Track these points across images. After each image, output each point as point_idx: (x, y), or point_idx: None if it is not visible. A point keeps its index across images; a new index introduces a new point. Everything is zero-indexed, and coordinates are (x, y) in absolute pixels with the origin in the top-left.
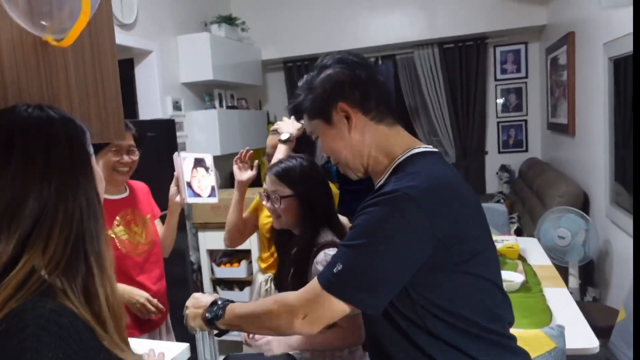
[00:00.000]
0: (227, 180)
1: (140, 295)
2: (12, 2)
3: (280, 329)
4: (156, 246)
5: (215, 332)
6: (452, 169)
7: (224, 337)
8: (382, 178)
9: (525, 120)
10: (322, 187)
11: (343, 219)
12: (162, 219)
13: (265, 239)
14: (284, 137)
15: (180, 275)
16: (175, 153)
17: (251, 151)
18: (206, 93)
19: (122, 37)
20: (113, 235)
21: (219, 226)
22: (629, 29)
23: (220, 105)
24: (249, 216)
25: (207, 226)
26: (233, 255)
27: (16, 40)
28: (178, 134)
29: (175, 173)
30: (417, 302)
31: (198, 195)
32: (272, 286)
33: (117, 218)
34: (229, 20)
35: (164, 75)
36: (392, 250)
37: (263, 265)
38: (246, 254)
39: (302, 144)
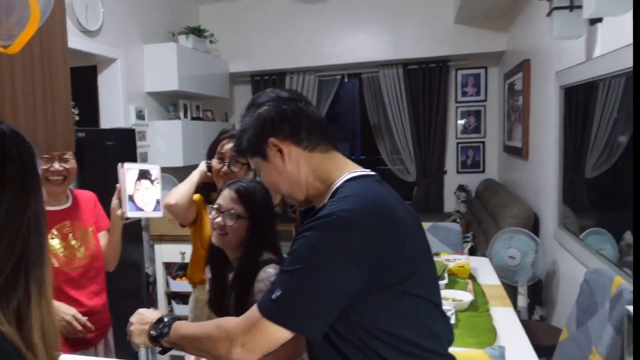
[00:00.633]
0: None
1: (66, 312)
2: None
3: (220, 355)
4: (96, 260)
5: (159, 349)
6: (389, 190)
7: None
8: (321, 203)
9: (483, 142)
10: (272, 214)
11: None
12: None
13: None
14: None
15: (134, 288)
16: (119, 164)
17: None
18: (171, 103)
19: (85, 44)
20: None
21: (176, 239)
22: (580, 58)
23: (185, 115)
24: (193, 208)
25: (163, 238)
26: None
27: None
28: (140, 143)
29: (117, 185)
30: (356, 324)
31: (141, 209)
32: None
33: (53, 231)
34: (197, 32)
35: (128, 84)
36: (329, 274)
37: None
38: None
39: None
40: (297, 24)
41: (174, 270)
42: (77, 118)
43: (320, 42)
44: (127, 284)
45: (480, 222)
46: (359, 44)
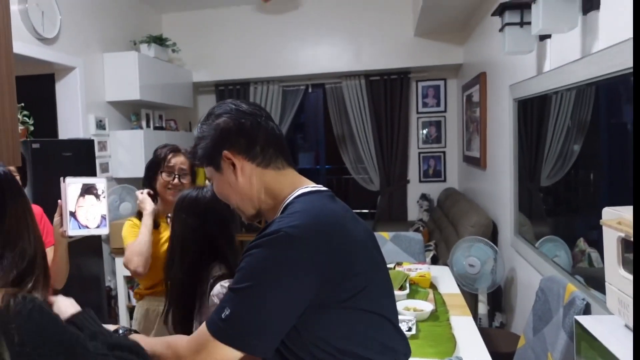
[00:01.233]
0: None
1: None
2: None
3: None
4: None
5: None
6: (340, 206)
7: None
8: (272, 219)
9: (444, 152)
10: (223, 226)
11: None
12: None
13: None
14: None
15: (95, 302)
16: (62, 178)
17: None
18: (133, 112)
19: (42, 52)
20: None
21: None
22: (532, 72)
23: (148, 125)
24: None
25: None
26: None
27: None
28: (100, 154)
29: (59, 201)
30: (308, 340)
31: (85, 226)
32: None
33: None
34: (159, 41)
35: (87, 93)
36: (276, 292)
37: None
38: None
39: None
40: (260, 34)
41: (136, 284)
42: (31, 128)
43: (285, 53)
44: (87, 298)
45: (441, 230)
46: (323, 54)
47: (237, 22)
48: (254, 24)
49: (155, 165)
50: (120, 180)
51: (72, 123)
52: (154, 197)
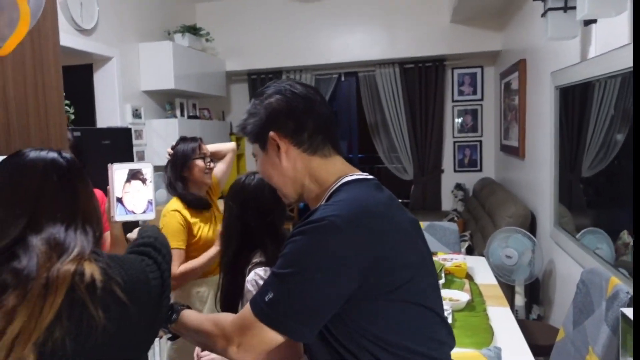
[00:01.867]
0: None
1: None
2: None
3: (218, 352)
4: None
5: (168, 335)
6: (386, 195)
7: None
8: (316, 206)
9: (480, 141)
10: (265, 215)
11: None
12: None
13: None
14: None
15: None
16: (110, 164)
17: None
18: (167, 102)
19: (80, 42)
20: None
21: None
22: (575, 59)
23: (182, 114)
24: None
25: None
26: None
27: None
28: (137, 142)
29: (107, 187)
30: (353, 329)
31: (131, 212)
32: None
33: None
34: (193, 30)
35: (124, 83)
36: (318, 280)
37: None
38: None
39: None
40: (293, 23)
41: None
42: (72, 117)
43: (317, 41)
44: None
45: (477, 220)
46: (356, 43)
47: (270, 11)
48: (286, 12)
49: (188, 155)
50: (155, 168)
51: (110, 112)
52: (184, 182)
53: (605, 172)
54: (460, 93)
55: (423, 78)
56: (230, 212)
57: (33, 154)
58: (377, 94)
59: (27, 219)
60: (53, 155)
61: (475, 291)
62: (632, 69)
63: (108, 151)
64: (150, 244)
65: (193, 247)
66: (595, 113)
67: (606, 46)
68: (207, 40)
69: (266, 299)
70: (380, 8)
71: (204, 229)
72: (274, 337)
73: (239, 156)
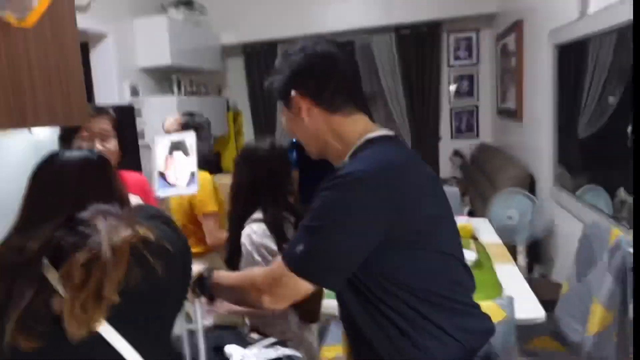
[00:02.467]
0: None
1: None
2: None
3: (252, 303)
4: None
5: (204, 299)
6: (408, 151)
7: None
8: (340, 162)
9: (477, 106)
10: (268, 169)
11: None
12: None
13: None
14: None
15: None
16: (154, 136)
17: None
18: (165, 78)
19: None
20: None
21: None
22: (574, 15)
23: (179, 91)
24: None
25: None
26: None
27: None
28: (137, 120)
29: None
30: (382, 278)
31: (174, 185)
32: None
33: None
34: (188, 4)
35: (120, 60)
36: (348, 231)
37: None
38: None
39: None
40: None
41: None
42: None
43: (310, 11)
44: None
45: (476, 185)
46: (350, 10)
47: None
48: None
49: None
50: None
51: (107, 90)
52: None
53: (601, 131)
54: (457, 58)
55: (419, 43)
56: (241, 172)
57: (68, 153)
58: (373, 62)
59: (74, 203)
60: (85, 153)
61: (481, 250)
62: (631, 22)
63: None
64: (159, 216)
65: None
66: (592, 71)
67: (604, 1)
68: (201, 13)
69: (297, 251)
70: None
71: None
72: (305, 286)
73: (237, 133)
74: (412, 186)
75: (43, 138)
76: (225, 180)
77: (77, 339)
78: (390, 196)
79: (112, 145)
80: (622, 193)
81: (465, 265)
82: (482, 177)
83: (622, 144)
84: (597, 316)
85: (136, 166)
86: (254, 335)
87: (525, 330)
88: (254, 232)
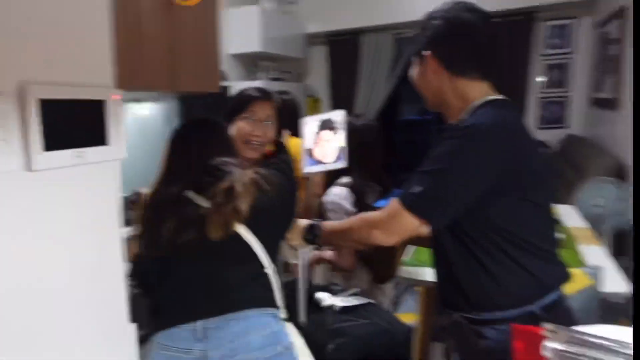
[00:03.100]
0: None
1: None
2: None
3: (361, 239)
4: None
5: (312, 247)
6: (521, 117)
7: None
8: (456, 118)
9: (567, 96)
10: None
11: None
12: None
13: None
14: None
15: None
16: (303, 119)
17: None
18: (252, 64)
19: None
20: None
21: None
22: None
23: (265, 76)
24: None
25: None
26: None
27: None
28: None
29: None
30: (485, 225)
31: (320, 162)
32: None
33: None
34: None
35: None
36: (463, 175)
37: None
38: None
39: None
40: None
41: None
42: None
43: None
44: None
45: (561, 175)
46: None
47: None
48: None
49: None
50: None
51: None
52: None
53: None
54: (550, 46)
55: (511, 32)
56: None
57: (195, 119)
58: None
59: (204, 155)
60: (207, 118)
61: (566, 231)
62: None
63: (207, 111)
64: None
65: None
66: None
67: None
68: (290, 3)
69: (413, 191)
70: None
71: None
72: (414, 223)
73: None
74: (522, 142)
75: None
76: None
77: (216, 238)
78: (504, 148)
79: (272, 131)
80: None
81: (554, 221)
82: (568, 167)
83: None
84: None
85: None
86: (338, 288)
87: (608, 311)
88: (335, 194)
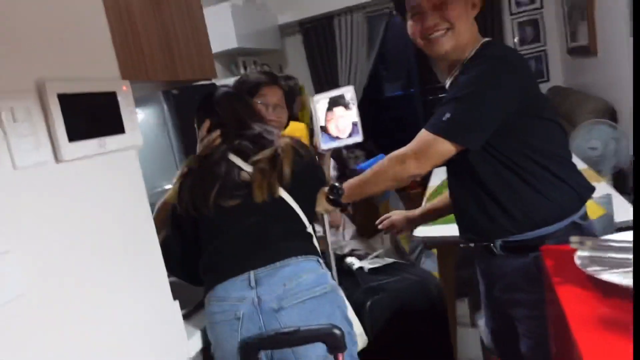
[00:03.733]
0: None
1: None
2: None
3: (396, 175)
4: None
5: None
6: None
7: None
8: (470, 53)
9: (544, 50)
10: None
11: None
12: None
13: None
14: None
15: None
16: (310, 98)
17: None
18: (230, 61)
19: None
20: None
21: None
22: None
23: (245, 71)
24: None
25: None
26: None
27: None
28: None
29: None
30: (515, 142)
31: (336, 137)
32: None
33: None
34: None
35: None
36: (490, 98)
37: None
38: None
39: None
40: None
41: None
42: None
43: None
44: None
45: None
46: None
47: None
48: None
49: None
50: None
51: None
52: None
53: None
54: (518, 4)
55: None
56: None
57: (220, 88)
58: None
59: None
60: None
61: None
62: None
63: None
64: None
65: None
66: None
67: None
68: None
69: (444, 119)
70: None
71: None
72: (449, 148)
73: (302, 105)
74: (531, 72)
75: None
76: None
77: (260, 200)
78: (522, 73)
79: (284, 115)
80: None
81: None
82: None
83: None
84: None
85: None
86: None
87: None
88: None
